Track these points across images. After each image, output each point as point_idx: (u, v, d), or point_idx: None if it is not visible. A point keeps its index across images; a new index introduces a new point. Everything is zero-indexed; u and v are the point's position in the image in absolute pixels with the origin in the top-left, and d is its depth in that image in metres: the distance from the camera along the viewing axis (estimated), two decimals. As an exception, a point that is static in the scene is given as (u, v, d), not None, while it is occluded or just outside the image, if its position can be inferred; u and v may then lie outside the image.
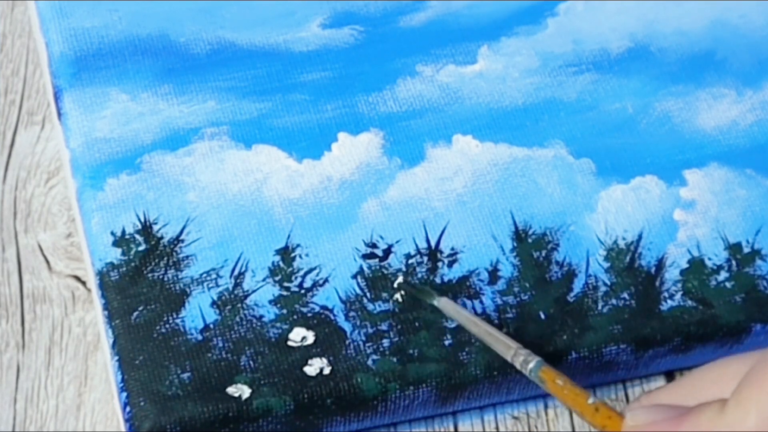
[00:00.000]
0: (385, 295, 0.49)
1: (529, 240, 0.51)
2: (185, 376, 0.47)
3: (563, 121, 0.54)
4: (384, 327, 0.48)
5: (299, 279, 0.49)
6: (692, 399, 0.36)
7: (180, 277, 0.49)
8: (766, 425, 0.33)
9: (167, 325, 0.48)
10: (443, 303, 0.48)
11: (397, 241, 0.51)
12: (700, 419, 0.35)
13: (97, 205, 0.50)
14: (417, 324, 0.49)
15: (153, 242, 0.50)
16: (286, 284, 0.49)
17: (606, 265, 0.51)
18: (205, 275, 0.49)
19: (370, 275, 0.50)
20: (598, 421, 0.41)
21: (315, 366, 0.47)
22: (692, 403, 0.36)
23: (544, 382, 0.44)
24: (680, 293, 0.50)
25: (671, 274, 0.50)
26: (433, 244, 0.51)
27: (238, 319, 0.48)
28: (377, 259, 0.50)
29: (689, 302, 0.50)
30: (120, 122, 0.53)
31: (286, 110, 0.54)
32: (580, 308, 0.49)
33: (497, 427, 0.49)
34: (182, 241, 0.50)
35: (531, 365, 0.45)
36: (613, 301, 0.50)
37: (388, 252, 0.50)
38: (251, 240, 0.50)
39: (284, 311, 0.49)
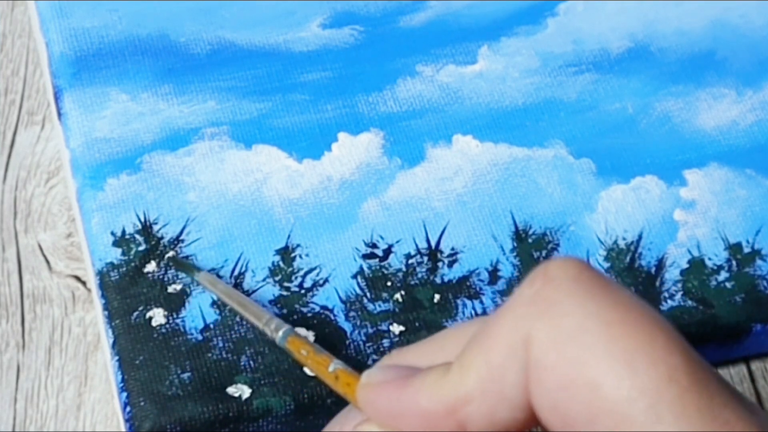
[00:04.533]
0: (385, 295, 0.49)
1: (529, 240, 0.51)
2: (185, 376, 0.47)
3: (563, 121, 0.54)
4: (384, 327, 0.48)
5: (299, 279, 0.49)
6: (425, 362, 0.38)
7: (180, 277, 0.49)
8: (482, 385, 0.35)
9: (167, 325, 0.48)
10: (202, 276, 0.48)
11: (397, 241, 0.51)
12: (426, 380, 0.37)
13: (97, 205, 0.50)
14: (417, 324, 0.49)
15: (153, 242, 0.50)
16: (286, 284, 0.49)
17: (606, 265, 0.51)
18: (205, 275, 0.49)
19: (370, 275, 0.50)
20: (340, 388, 0.41)
21: (315, 366, 0.47)
22: (425, 365, 0.37)
23: (291, 351, 0.43)
24: (680, 293, 0.50)
25: (671, 274, 0.50)
26: (433, 244, 0.51)
27: (238, 318, 0.48)
28: (377, 259, 0.50)
29: (689, 302, 0.50)
30: (120, 122, 0.53)
31: (286, 110, 0.54)
32: (580, 308, 0.49)
33: (497, 427, 0.49)
34: (182, 241, 0.50)
35: (280, 333, 0.44)
36: (613, 301, 0.50)
37: (388, 252, 0.50)
38: (251, 240, 0.50)
39: (284, 311, 0.49)
